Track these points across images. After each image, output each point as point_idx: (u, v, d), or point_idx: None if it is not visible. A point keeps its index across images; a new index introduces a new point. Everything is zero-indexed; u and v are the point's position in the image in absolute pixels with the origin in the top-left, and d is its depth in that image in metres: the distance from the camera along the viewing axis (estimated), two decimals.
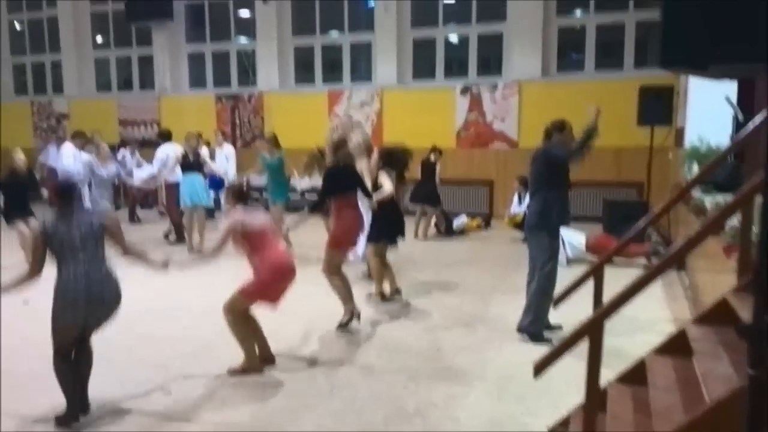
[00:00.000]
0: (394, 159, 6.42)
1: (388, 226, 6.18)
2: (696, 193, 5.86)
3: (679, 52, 2.67)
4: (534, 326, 5.10)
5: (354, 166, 5.72)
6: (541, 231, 5.07)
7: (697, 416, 2.29)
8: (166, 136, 10.18)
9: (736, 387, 2.18)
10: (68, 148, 9.98)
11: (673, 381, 2.96)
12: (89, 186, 9.19)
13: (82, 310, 3.61)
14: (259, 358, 4.57)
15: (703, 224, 3.07)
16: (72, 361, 3.82)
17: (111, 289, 3.75)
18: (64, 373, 3.78)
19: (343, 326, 5.35)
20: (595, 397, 2.78)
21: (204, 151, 9.73)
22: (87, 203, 9.29)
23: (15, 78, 16.71)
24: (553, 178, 5.04)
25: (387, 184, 6.07)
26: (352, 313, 5.38)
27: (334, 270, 5.38)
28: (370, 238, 6.22)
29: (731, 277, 3.34)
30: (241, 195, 4.67)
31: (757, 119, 3.27)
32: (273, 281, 4.44)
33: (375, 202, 5.89)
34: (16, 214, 7.85)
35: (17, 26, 16.60)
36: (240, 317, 4.45)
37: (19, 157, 8.31)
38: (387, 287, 6.31)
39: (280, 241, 4.73)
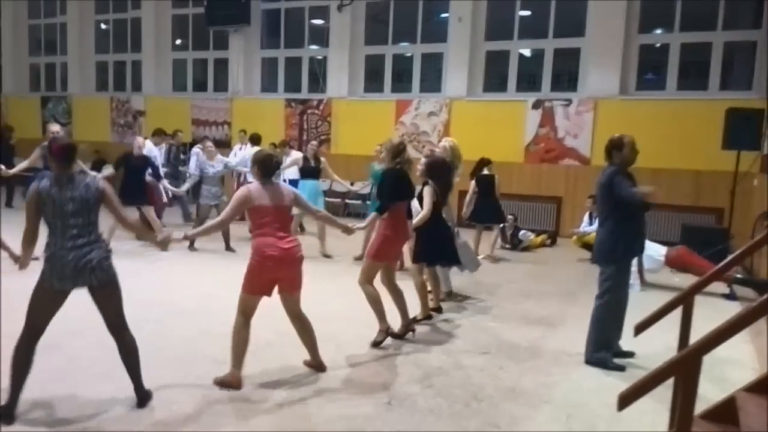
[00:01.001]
0: (438, 171, 6.03)
1: (430, 247, 5.88)
2: None
3: None
4: (594, 356, 4.85)
5: (408, 175, 5.32)
6: (607, 263, 4.81)
7: None
8: (256, 141, 10.75)
9: None
10: (147, 144, 10.35)
11: None
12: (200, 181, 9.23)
13: (69, 277, 3.46)
14: (310, 363, 4.54)
15: None
16: (34, 353, 3.55)
17: (99, 256, 3.53)
18: (24, 360, 3.51)
19: (377, 345, 5.10)
20: None
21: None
22: (164, 191, 9.50)
23: (97, 75, 17.46)
24: (621, 208, 4.70)
25: (426, 204, 5.73)
26: (387, 332, 5.17)
27: (366, 280, 5.11)
28: (414, 258, 5.94)
29: None
30: (266, 168, 4.17)
31: None
32: (257, 266, 4.08)
33: (412, 227, 5.57)
34: (130, 199, 7.64)
35: (102, 26, 17.34)
36: (240, 322, 4.17)
37: (138, 141, 8.51)
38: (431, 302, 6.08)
39: (290, 230, 4.30)
